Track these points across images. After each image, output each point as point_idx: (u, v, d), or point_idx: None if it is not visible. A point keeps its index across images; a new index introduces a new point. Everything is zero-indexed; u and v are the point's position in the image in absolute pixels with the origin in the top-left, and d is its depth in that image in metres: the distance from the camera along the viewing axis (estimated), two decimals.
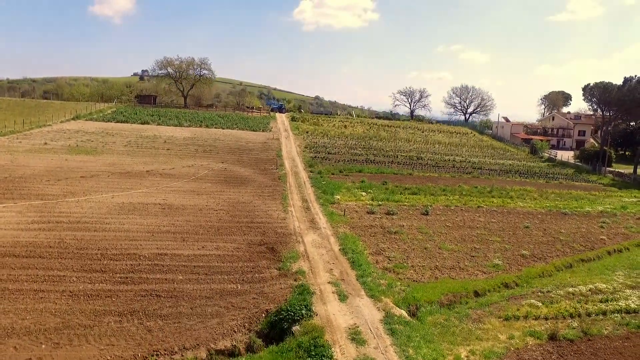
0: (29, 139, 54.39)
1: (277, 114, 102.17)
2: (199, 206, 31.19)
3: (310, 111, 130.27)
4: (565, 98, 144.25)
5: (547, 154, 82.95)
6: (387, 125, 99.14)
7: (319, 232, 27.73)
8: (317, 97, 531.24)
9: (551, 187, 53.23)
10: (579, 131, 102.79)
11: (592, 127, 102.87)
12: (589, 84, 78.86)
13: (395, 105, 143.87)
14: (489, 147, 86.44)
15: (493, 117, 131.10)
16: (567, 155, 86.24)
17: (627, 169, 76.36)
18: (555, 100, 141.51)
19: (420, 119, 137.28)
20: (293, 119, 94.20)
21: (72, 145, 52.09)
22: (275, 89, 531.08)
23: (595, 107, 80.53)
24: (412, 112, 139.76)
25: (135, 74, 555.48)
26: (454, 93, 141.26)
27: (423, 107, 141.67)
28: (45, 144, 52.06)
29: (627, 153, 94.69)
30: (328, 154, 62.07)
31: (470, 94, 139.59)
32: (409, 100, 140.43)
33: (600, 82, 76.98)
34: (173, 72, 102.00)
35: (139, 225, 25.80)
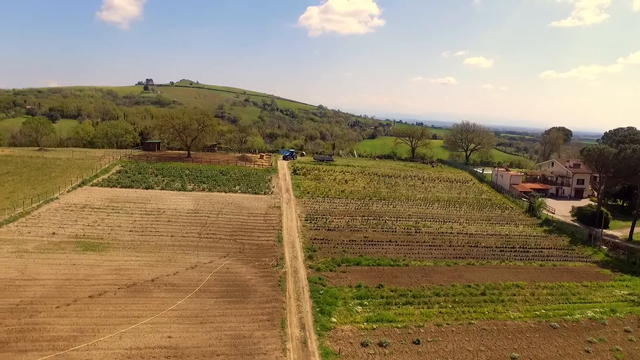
0: (37, 225, 56.17)
1: (279, 165, 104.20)
2: (202, 349, 32.80)
3: (312, 153, 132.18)
4: (566, 135, 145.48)
5: (545, 212, 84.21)
6: (388, 176, 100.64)
7: None
8: (320, 107, 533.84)
9: (544, 274, 54.55)
10: (578, 180, 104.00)
11: (591, 175, 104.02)
12: (586, 147, 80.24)
13: (397, 144, 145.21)
14: (488, 203, 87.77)
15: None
16: (565, 210, 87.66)
17: (623, 229, 77.87)
18: (556, 138, 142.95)
19: (422, 156, 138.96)
20: (295, 172, 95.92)
21: (79, 235, 53.87)
22: (278, 98, 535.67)
23: (592, 168, 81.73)
24: (413, 150, 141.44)
25: (139, 83, 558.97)
26: (455, 131, 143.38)
27: (424, 145, 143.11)
28: (54, 234, 53.87)
29: (624, 204, 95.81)
30: (328, 230, 63.76)
31: (472, 131, 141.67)
32: (411, 139, 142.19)
33: (597, 146, 78.51)
34: (177, 125, 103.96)
35: None
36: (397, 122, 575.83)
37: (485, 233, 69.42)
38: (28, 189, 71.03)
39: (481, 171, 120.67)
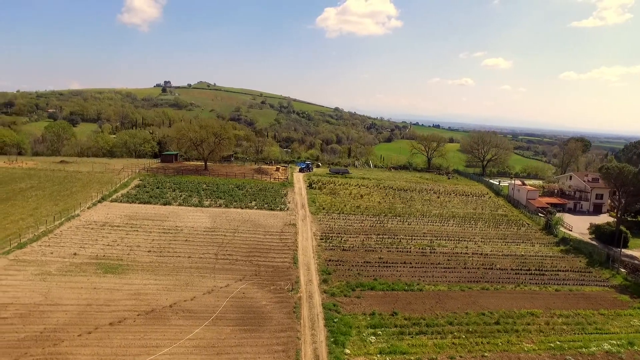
0: (59, 245, 57.74)
1: (295, 178, 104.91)
2: None
3: (328, 164, 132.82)
4: (585, 146, 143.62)
5: (562, 229, 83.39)
6: (403, 190, 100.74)
7: None
8: (336, 109, 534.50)
9: (560, 300, 54.15)
10: (597, 194, 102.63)
11: (610, 190, 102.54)
12: (604, 165, 79.42)
13: (413, 154, 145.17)
14: (504, 220, 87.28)
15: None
16: (583, 226, 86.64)
17: None
18: (574, 149, 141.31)
19: (438, 167, 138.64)
20: (310, 186, 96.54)
21: (100, 256, 55.25)
22: (295, 100, 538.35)
23: (611, 186, 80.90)
24: (429, 160, 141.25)
25: (157, 85, 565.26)
26: (472, 141, 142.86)
27: (440, 155, 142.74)
28: (75, 254, 55.33)
29: None
30: (343, 250, 64.24)
31: (489, 141, 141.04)
32: (427, 150, 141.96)
33: (616, 164, 77.58)
34: (195, 138, 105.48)
35: None
36: (414, 124, 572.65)
37: (500, 253, 69.11)
38: (50, 205, 72.96)
39: (498, 183, 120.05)
